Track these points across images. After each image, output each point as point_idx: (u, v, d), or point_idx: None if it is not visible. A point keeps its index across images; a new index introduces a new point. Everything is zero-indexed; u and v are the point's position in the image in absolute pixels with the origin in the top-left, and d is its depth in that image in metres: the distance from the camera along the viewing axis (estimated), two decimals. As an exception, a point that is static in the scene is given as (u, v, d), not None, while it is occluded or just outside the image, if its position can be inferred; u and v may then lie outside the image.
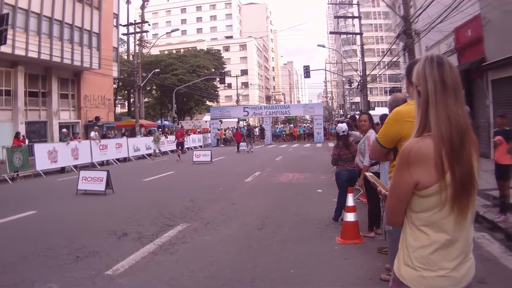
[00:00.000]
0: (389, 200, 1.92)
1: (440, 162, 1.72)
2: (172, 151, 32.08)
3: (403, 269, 1.83)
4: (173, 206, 9.91)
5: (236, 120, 50.96)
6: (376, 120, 7.66)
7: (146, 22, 37.73)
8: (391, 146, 3.18)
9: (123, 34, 40.74)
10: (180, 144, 26.71)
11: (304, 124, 68.49)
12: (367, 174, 2.46)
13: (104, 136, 26.90)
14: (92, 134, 23.74)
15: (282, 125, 65.47)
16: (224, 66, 68.59)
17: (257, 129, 48.11)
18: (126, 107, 56.49)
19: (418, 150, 1.76)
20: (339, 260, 5.73)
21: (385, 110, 9.64)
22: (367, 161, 6.52)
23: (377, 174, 5.87)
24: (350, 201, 6.65)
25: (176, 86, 47.86)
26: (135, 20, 39.29)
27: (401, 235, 1.91)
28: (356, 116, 11.96)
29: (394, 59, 29.96)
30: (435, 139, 1.75)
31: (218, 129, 46.21)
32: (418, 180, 1.75)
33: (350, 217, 6.51)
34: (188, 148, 34.49)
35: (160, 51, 70.75)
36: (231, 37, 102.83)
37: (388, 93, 69.60)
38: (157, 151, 28.00)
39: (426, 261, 1.77)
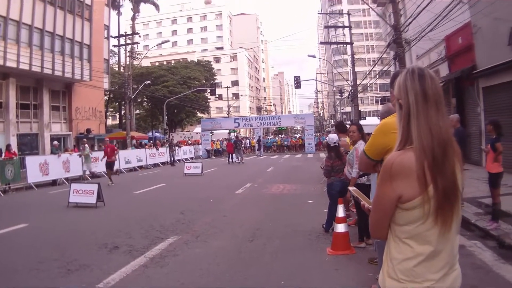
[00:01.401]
0: (372, 214, 1.91)
1: (422, 174, 1.72)
2: (155, 165, 31.97)
3: (387, 281, 1.83)
4: (163, 219, 9.86)
5: (227, 131, 51.00)
6: (367, 130, 7.67)
7: (137, 33, 37.90)
8: (379, 158, 3.17)
9: (114, 46, 40.73)
10: (109, 164, 19.07)
11: (295, 135, 68.80)
12: (350, 188, 2.46)
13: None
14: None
15: (273, 136, 65.63)
16: (214, 77, 68.50)
17: (248, 140, 48.14)
18: (117, 119, 56.36)
19: (400, 163, 1.76)
20: (330, 271, 5.72)
21: (376, 120, 9.66)
22: (355, 172, 6.53)
23: (365, 186, 5.88)
24: (340, 212, 6.64)
25: (167, 97, 47.80)
26: (126, 32, 39.32)
27: (385, 248, 1.90)
28: (347, 125, 11.95)
29: (385, 68, 30.13)
30: (417, 152, 1.74)
31: (213, 141, 46.48)
32: (401, 193, 1.75)
33: (340, 228, 6.50)
34: (179, 160, 34.43)
35: (151, 62, 70.77)
36: (221, 48, 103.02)
37: (379, 103, 69.97)
38: (87, 172, 21.88)
39: (411, 273, 1.76)
